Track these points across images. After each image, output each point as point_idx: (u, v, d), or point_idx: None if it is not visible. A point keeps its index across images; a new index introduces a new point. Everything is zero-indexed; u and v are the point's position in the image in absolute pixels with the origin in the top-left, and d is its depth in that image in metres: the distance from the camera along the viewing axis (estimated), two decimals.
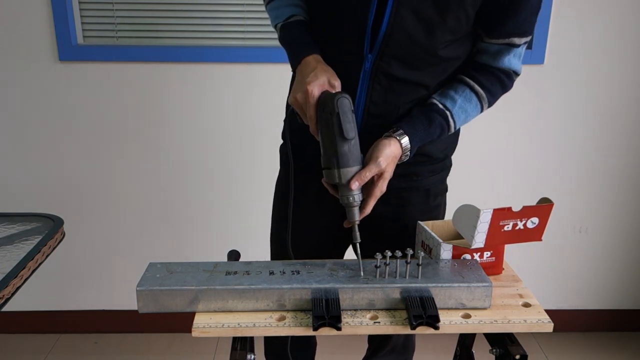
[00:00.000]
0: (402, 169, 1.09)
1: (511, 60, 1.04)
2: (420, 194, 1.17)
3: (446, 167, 1.20)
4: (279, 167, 1.27)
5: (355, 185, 0.96)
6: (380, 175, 0.98)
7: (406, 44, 0.97)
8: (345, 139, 0.94)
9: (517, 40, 1.01)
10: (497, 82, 1.06)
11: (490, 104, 1.08)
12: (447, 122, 1.04)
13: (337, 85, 0.98)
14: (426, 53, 0.98)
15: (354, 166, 0.96)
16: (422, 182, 1.16)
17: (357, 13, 0.97)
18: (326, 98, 0.95)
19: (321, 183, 1.13)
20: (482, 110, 1.08)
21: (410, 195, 1.16)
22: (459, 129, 1.14)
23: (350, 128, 0.94)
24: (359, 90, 1.03)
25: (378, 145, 0.99)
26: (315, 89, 0.95)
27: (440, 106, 1.04)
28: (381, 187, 0.99)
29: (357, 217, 0.99)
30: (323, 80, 0.96)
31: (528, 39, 1.02)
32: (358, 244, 0.99)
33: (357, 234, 0.99)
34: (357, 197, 0.97)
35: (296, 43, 1.04)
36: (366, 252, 0.99)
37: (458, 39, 0.99)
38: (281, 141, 1.25)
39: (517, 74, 1.07)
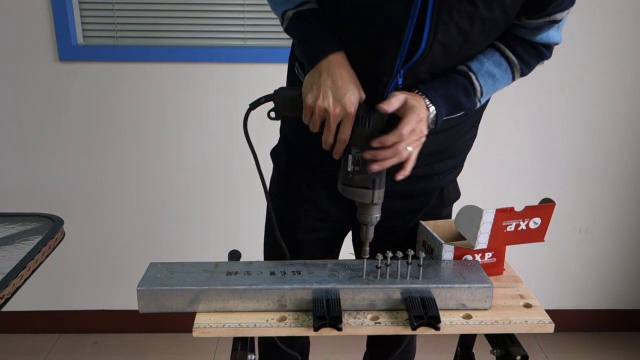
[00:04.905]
0: (423, 170, 1.06)
1: (550, 34, 0.96)
2: (433, 202, 1.14)
3: (463, 161, 1.16)
4: None
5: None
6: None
7: (440, 55, 0.91)
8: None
9: (559, 16, 0.93)
10: (534, 51, 0.99)
11: (523, 74, 1.00)
12: (471, 83, 0.95)
13: (364, 98, 0.91)
14: (455, 58, 0.94)
15: (384, 186, 0.93)
16: (441, 180, 1.12)
17: (392, 29, 0.89)
18: (371, 113, 0.89)
19: (326, 185, 1.12)
20: (513, 79, 1.00)
21: (422, 204, 1.14)
22: (481, 114, 1.08)
23: None
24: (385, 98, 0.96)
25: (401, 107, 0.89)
26: (354, 108, 0.88)
27: (464, 68, 0.96)
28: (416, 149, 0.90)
29: (372, 235, 0.98)
30: (357, 96, 0.89)
31: (570, 10, 0.93)
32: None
33: (367, 249, 0.97)
34: (377, 217, 0.96)
35: (318, 36, 0.93)
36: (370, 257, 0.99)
37: (489, 38, 0.95)
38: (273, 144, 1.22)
39: (556, 44, 1.00)
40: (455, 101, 0.95)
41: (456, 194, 1.19)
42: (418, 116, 0.86)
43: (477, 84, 0.96)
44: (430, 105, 0.91)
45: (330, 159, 1.02)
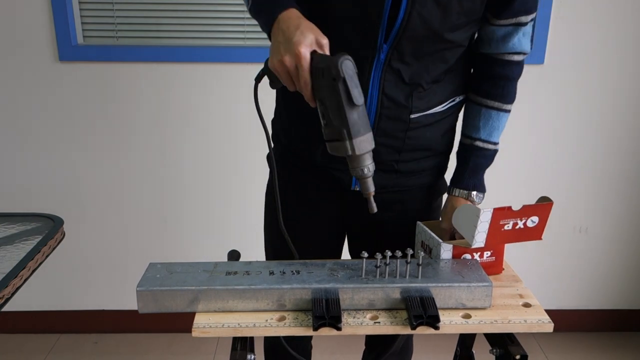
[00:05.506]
0: (411, 165, 1.10)
1: (521, 41, 1.03)
2: (423, 195, 1.17)
3: (447, 162, 1.20)
4: None
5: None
6: None
7: (421, 30, 0.94)
8: (355, 106, 0.85)
9: (523, 19, 1.00)
10: (508, 82, 1.07)
11: (513, 100, 1.10)
12: (483, 149, 1.10)
13: (325, 43, 0.88)
14: (437, 37, 0.96)
15: (366, 134, 0.88)
16: (427, 178, 1.16)
17: (371, 2, 0.92)
18: (326, 61, 0.85)
19: (318, 184, 1.13)
20: (509, 110, 1.10)
21: (413, 197, 1.16)
22: (457, 115, 1.15)
23: (359, 93, 0.85)
24: (371, 84, 1.00)
25: (447, 216, 1.08)
26: (307, 51, 0.85)
27: (468, 141, 1.11)
28: None
29: (372, 187, 0.92)
30: (311, 40, 0.86)
31: (534, 15, 1.01)
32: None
33: (374, 204, 0.93)
34: (370, 167, 0.90)
35: (269, 1, 0.92)
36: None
37: (467, 24, 0.98)
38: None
39: (526, 54, 1.06)
40: (483, 167, 1.11)
41: (444, 187, 1.22)
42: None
43: (486, 144, 1.10)
44: (464, 191, 1.10)
45: (320, 152, 1.05)
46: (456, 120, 1.16)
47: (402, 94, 1.01)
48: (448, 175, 1.23)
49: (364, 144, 0.88)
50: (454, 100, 1.09)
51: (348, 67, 0.84)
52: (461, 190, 1.11)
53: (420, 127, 1.06)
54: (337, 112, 0.86)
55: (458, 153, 1.14)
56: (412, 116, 1.04)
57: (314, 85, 0.87)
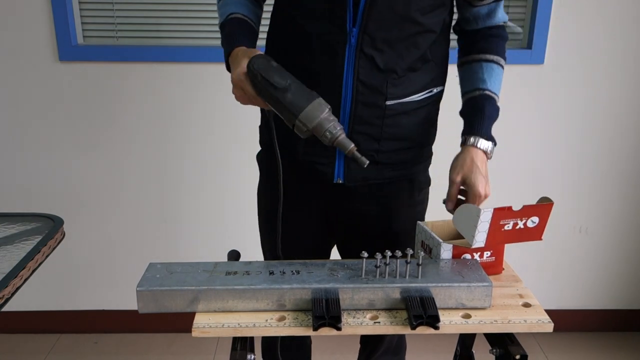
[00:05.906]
0: (391, 156, 1.11)
1: (503, 13, 1.13)
2: (405, 187, 1.18)
3: (429, 155, 1.22)
4: None
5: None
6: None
7: (386, 11, 0.98)
8: (281, 89, 0.93)
9: None
10: (501, 40, 1.14)
11: (505, 59, 1.15)
12: (494, 99, 1.10)
13: (253, 54, 0.96)
14: (404, 20, 0.99)
15: (307, 105, 0.93)
16: (408, 170, 1.17)
17: None
18: (246, 72, 0.95)
19: (306, 181, 1.14)
20: (504, 68, 1.14)
21: (396, 189, 1.17)
22: (437, 106, 1.18)
23: (279, 77, 0.94)
24: (346, 69, 1.03)
25: (463, 169, 1.06)
26: (241, 75, 0.95)
27: (477, 93, 1.10)
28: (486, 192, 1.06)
29: (350, 144, 0.95)
30: (244, 63, 0.95)
31: None
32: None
33: (362, 158, 0.96)
34: (332, 129, 0.94)
35: (224, 42, 1.03)
36: (353, 253, 1.00)
37: (435, 8, 1.02)
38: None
39: (506, 22, 1.16)
40: (494, 118, 1.10)
41: (426, 180, 1.24)
42: (480, 182, 1.04)
43: (494, 95, 1.11)
44: (484, 141, 1.07)
45: (302, 147, 1.09)
46: (435, 113, 1.17)
47: (376, 81, 1.03)
48: (433, 171, 1.24)
49: (311, 113, 0.93)
50: (431, 91, 1.11)
51: (257, 62, 0.95)
52: (478, 138, 1.08)
53: (396, 114, 1.07)
54: (276, 103, 0.95)
55: (466, 110, 1.12)
56: (388, 103, 1.06)
57: (260, 96, 0.96)
